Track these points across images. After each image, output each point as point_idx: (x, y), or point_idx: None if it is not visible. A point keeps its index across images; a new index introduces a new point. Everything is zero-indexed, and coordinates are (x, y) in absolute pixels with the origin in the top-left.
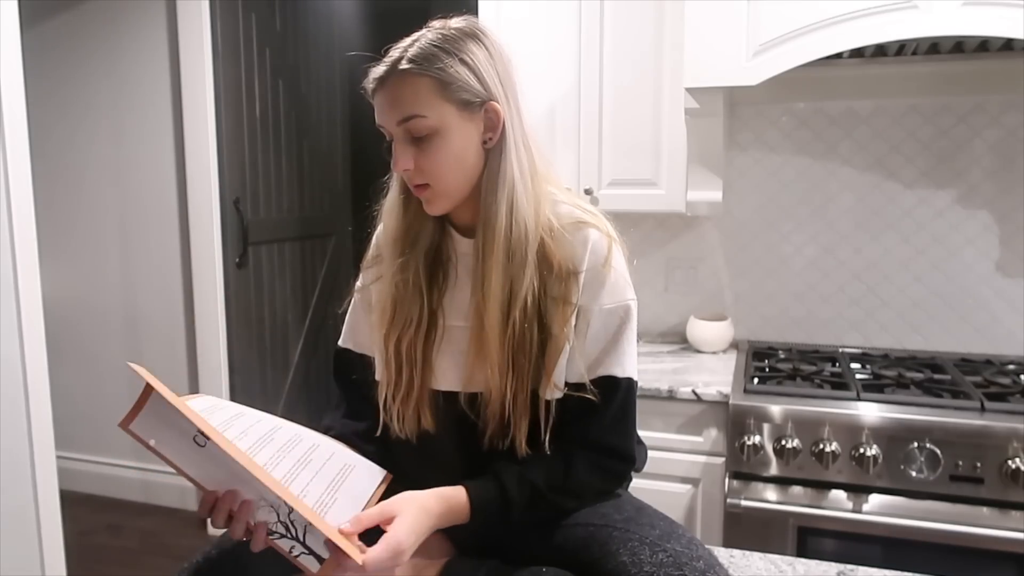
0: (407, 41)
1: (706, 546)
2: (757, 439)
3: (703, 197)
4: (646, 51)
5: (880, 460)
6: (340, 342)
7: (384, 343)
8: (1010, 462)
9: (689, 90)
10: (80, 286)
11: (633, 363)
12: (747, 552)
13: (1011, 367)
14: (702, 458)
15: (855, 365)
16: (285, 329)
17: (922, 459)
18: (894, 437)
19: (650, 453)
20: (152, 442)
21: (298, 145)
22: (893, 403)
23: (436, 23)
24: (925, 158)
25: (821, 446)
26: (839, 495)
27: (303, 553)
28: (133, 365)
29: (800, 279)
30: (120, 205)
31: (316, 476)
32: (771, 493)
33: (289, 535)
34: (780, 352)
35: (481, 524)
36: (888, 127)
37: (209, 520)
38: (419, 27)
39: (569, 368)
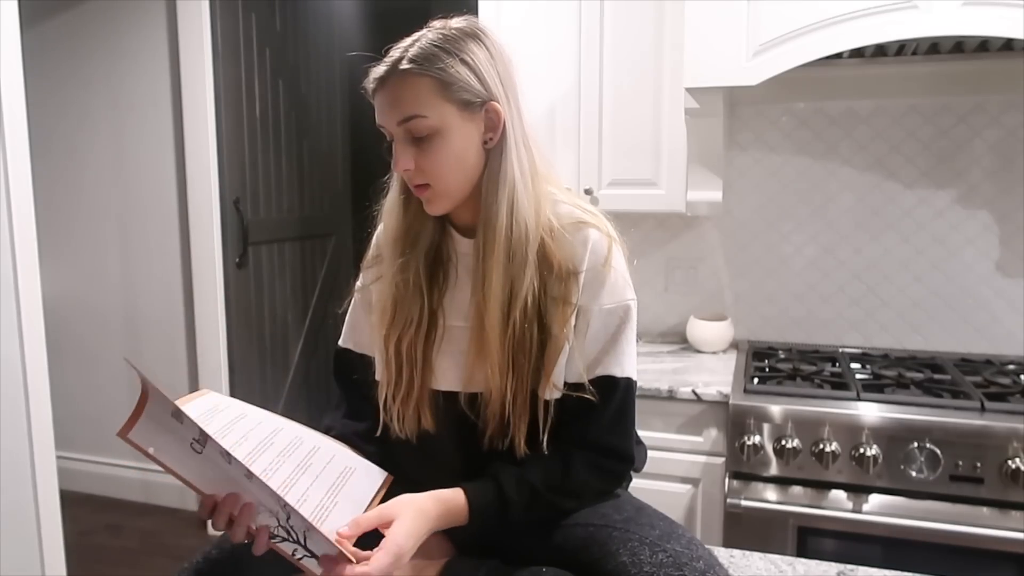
0: (408, 41)
1: (706, 546)
2: (757, 439)
3: (703, 197)
4: (646, 51)
5: (880, 460)
6: (340, 342)
7: (384, 343)
8: (1010, 462)
9: (689, 90)
10: (80, 286)
11: (632, 363)
12: (747, 552)
13: (1011, 367)
14: (702, 458)
15: (855, 365)
16: (285, 329)
17: (922, 459)
18: (894, 437)
19: (650, 453)
20: (151, 450)
21: (298, 145)
22: (893, 403)
23: (437, 23)
24: (925, 158)
25: (821, 446)
26: (839, 495)
27: (306, 556)
28: (131, 363)
29: (800, 279)
30: (120, 205)
31: (316, 480)
32: (771, 493)
33: (291, 539)
34: (780, 352)
35: (480, 526)
36: (888, 127)
37: (210, 522)
38: (419, 27)
39: (568, 368)
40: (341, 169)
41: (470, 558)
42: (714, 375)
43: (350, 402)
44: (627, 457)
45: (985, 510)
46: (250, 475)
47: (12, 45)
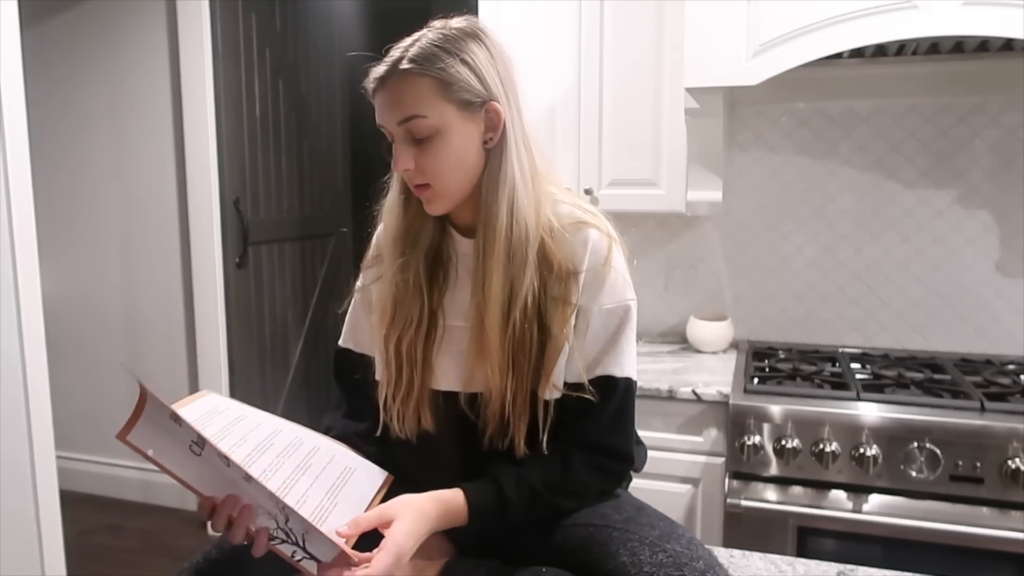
0: (408, 41)
1: (706, 546)
2: (757, 439)
3: (703, 197)
4: (646, 51)
5: (880, 460)
6: (340, 342)
7: (384, 343)
8: (1010, 462)
9: (689, 90)
10: (80, 286)
11: (632, 363)
12: (747, 552)
13: (1011, 367)
14: (702, 458)
15: (855, 365)
16: (285, 329)
17: (922, 459)
18: (894, 437)
19: (650, 453)
20: (150, 452)
21: (298, 145)
22: (893, 403)
23: (437, 23)
24: (925, 158)
25: (821, 446)
26: (839, 495)
27: (305, 558)
28: (129, 368)
29: (800, 279)
30: (120, 205)
31: (316, 481)
32: (771, 493)
33: (290, 540)
34: (780, 352)
35: (479, 526)
36: (888, 127)
37: (209, 524)
38: (419, 27)
39: (568, 368)
40: (341, 169)
41: (470, 558)
42: (714, 375)
43: (350, 402)
44: (627, 457)
45: (985, 510)
46: (248, 478)
47: (12, 45)
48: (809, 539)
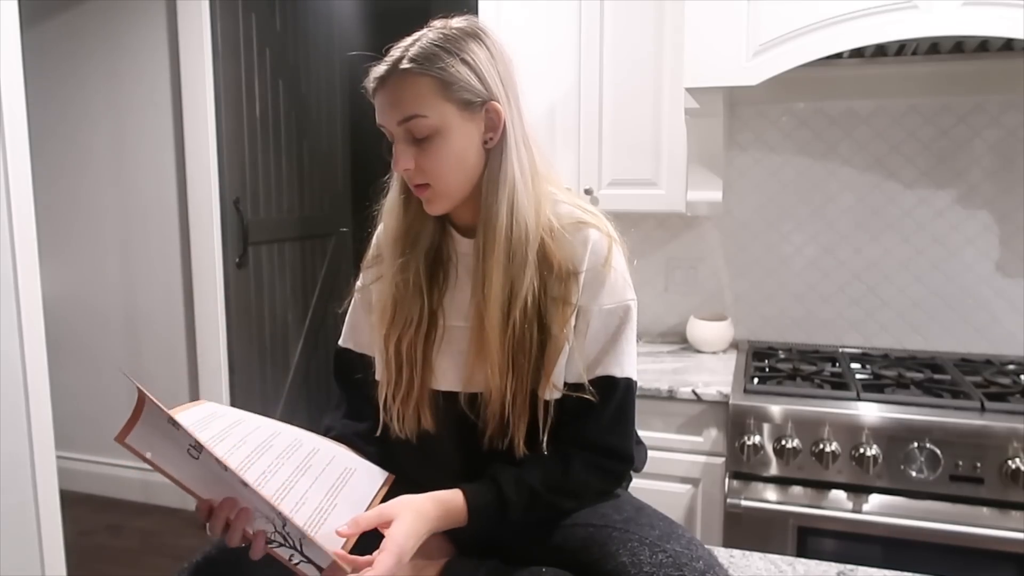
0: (408, 40)
1: (706, 546)
2: (757, 439)
3: (703, 197)
4: (646, 51)
5: (880, 460)
6: (340, 342)
7: (384, 343)
8: (1010, 462)
9: (689, 90)
10: (80, 286)
11: (632, 363)
12: (747, 552)
13: (1011, 367)
14: (702, 458)
15: (855, 365)
16: (285, 329)
17: (922, 459)
18: (894, 437)
19: (650, 453)
20: (148, 454)
21: (298, 145)
22: (893, 403)
23: (437, 23)
24: (925, 158)
25: (821, 446)
26: (839, 495)
27: (302, 561)
28: (127, 374)
29: (800, 279)
30: (120, 205)
31: (315, 482)
32: (771, 493)
33: (287, 544)
34: (780, 352)
35: (479, 527)
36: (888, 127)
37: (207, 526)
38: (419, 27)
39: (568, 368)
40: (341, 169)
41: (470, 558)
42: (714, 375)
43: (350, 402)
44: (627, 457)
45: (985, 510)
46: (245, 484)
47: (12, 45)
48: (809, 539)
